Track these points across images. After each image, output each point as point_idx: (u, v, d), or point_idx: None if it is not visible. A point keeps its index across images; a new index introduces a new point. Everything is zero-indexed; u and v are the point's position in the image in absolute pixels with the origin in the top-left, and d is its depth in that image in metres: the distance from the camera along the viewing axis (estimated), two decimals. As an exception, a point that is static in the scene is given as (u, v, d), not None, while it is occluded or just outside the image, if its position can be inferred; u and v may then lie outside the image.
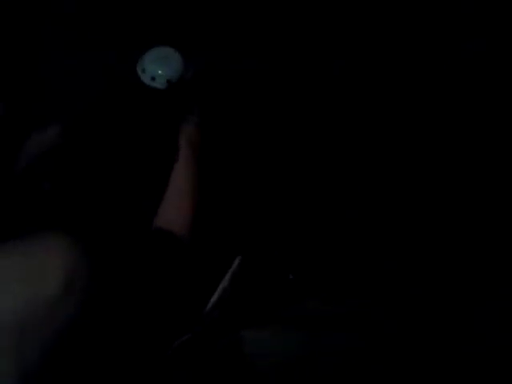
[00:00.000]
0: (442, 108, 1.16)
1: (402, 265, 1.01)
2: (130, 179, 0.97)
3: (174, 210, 0.86)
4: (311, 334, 0.93)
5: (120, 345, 0.73)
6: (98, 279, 0.61)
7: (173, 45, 1.14)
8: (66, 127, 0.90)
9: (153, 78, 1.11)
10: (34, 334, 0.55)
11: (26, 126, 0.81)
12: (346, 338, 0.93)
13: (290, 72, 1.20)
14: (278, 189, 1.08)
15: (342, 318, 0.94)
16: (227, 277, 0.92)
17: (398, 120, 1.15)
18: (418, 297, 0.97)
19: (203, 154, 0.94)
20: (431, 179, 1.09)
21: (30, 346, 0.55)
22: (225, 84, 1.13)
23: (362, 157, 1.09)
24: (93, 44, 1.19)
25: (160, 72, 1.10)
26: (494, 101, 1.17)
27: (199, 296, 0.89)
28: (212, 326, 0.91)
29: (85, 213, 0.88)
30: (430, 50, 1.22)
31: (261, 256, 0.98)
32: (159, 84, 1.11)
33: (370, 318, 0.93)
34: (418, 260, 1.02)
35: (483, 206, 1.05)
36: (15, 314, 0.54)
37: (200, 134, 0.95)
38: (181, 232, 0.82)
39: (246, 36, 1.24)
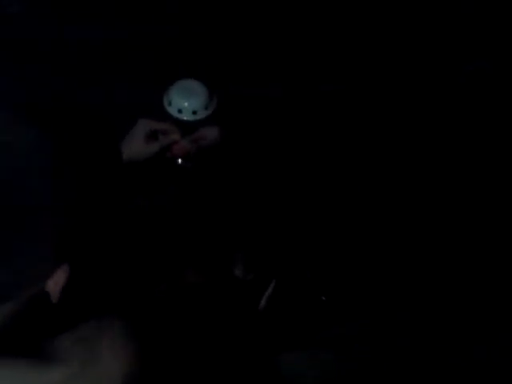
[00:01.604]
0: (441, 125, 1.18)
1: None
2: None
3: None
4: (348, 356, 0.94)
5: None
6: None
7: (197, 77, 1.18)
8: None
9: (179, 111, 1.14)
10: None
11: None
12: (380, 359, 0.94)
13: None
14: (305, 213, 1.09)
15: (376, 339, 0.95)
16: (263, 300, 0.93)
17: (399, 134, 1.16)
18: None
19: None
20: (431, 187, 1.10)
21: None
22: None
23: (365, 166, 1.10)
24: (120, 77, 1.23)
25: (186, 104, 1.14)
26: (494, 121, 1.18)
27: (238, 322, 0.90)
28: (252, 348, 0.92)
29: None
30: (431, 71, 1.25)
31: (294, 279, 1.00)
32: (186, 116, 1.14)
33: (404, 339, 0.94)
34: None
35: (483, 207, 1.06)
36: None
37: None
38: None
39: (266, 67, 1.28)
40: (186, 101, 1.15)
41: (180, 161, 1.01)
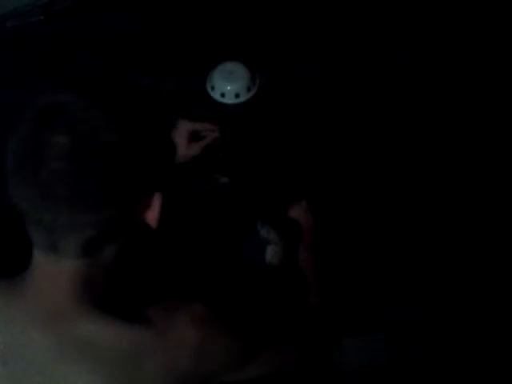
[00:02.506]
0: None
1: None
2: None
3: None
4: (397, 340, 0.96)
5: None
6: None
7: (239, 59, 1.18)
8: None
9: (222, 95, 1.17)
10: None
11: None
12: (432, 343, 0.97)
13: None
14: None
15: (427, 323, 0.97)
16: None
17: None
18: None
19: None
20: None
21: None
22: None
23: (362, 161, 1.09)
24: (162, 65, 1.24)
25: (229, 88, 1.16)
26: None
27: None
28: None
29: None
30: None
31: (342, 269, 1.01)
32: (229, 99, 1.17)
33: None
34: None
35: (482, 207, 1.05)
36: (158, 377, 0.58)
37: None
38: None
39: (304, 45, 1.26)
40: (228, 84, 1.17)
41: (221, 154, 1.04)
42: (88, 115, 0.51)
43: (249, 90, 1.17)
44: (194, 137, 0.98)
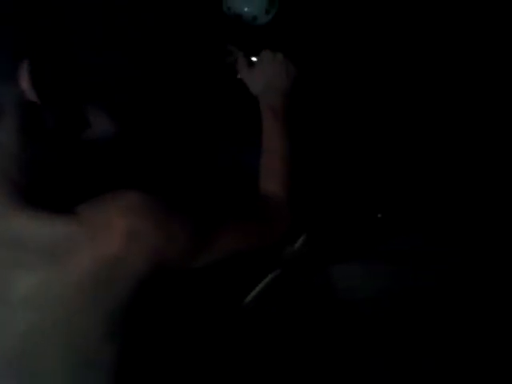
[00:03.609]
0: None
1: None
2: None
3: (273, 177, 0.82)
4: (402, 270, 0.96)
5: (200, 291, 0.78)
6: (167, 233, 0.62)
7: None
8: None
9: (239, 16, 1.10)
10: (106, 291, 0.59)
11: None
12: (438, 275, 0.95)
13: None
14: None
15: (433, 255, 0.96)
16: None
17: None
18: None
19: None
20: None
21: (104, 303, 0.59)
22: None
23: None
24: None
25: (246, 9, 1.09)
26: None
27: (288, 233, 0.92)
28: (302, 263, 0.95)
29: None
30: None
31: (350, 197, 1.00)
32: (245, 20, 1.10)
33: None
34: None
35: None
36: (89, 274, 0.58)
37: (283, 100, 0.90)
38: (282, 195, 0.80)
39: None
40: (245, 6, 1.10)
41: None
42: None
43: (268, 12, 1.11)
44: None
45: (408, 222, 0.99)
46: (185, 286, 0.81)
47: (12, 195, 0.59)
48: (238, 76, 0.98)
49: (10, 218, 0.58)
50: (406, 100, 1.08)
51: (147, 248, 0.60)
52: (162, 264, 0.62)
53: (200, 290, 0.83)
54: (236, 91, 0.97)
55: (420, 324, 0.92)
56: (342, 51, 1.11)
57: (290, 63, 0.93)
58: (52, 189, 0.65)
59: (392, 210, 0.99)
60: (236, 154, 0.96)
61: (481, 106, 1.08)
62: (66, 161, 0.69)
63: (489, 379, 0.86)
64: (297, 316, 0.93)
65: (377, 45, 1.11)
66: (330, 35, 1.11)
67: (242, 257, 0.81)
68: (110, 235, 0.59)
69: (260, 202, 0.79)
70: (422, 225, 0.99)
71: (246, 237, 0.72)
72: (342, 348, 0.92)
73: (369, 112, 1.06)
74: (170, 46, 0.78)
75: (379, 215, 0.97)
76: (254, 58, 0.99)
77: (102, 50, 0.68)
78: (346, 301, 0.96)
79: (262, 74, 0.94)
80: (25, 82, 0.60)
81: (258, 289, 0.90)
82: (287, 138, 0.83)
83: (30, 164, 0.62)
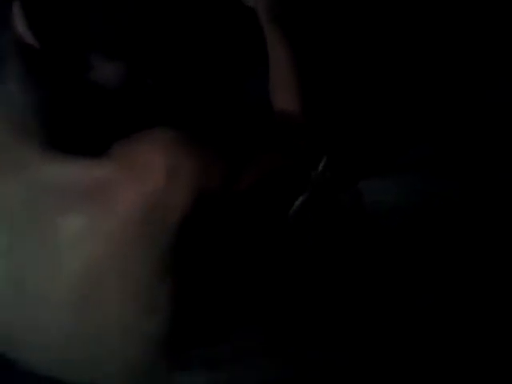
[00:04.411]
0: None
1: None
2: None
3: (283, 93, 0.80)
4: (428, 180, 0.97)
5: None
6: (206, 170, 0.62)
7: None
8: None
9: None
10: (151, 227, 0.59)
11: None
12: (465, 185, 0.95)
13: None
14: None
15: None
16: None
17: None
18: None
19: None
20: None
21: (153, 239, 0.59)
22: None
23: None
24: None
25: None
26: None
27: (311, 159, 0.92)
28: (327, 183, 0.95)
29: (187, 107, 0.89)
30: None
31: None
32: None
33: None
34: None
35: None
36: (134, 212, 0.58)
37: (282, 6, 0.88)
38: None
39: None
40: None
41: None
42: None
43: None
44: None
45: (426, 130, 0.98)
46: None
47: (33, 144, 0.59)
48: None
49: (40, 167, 0.58)
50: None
51: (187, 181, 0.61)
52: (203, 196, 0.63)
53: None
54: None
55: (445, 230, 0.92)
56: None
57: None
58: (77, 133, 0.65)
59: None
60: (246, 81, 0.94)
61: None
62: (82, 104, 0.69)
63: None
64: (328, 233, 0.94)
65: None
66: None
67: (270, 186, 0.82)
68: (150, 173, 0.59)
69: (277, 117, 0.78)
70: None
71: (274, 155, 0.72)
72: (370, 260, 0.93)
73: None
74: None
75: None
76: None
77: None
78: (371, 215, 0.96)
79: None
80: (20, 25, 0.60)
81: (292, 209, 0.90)
82: (290, 46, 0.81)
83: (43, 110, 0.62)
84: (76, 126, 0.64)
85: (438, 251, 0.94)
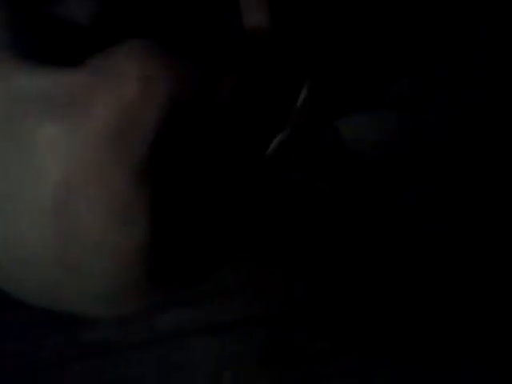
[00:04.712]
0: None
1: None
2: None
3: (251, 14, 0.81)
4: (409, 113, 0.95)
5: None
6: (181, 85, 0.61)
7: None
8: None
9: None
10: (125, 136, 0.57)
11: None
12: (448, 115, 0.94)
13: None
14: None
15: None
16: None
17: None
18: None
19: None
20: None
21: (126, 145, 0.58)
22: None
23: None
24: None
25: None
26: None
27: (287, 95, 0.90)
28: (305, 123, 0.93)
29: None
30: None
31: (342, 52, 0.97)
32: None
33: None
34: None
35: None
36: (107, 117, 0.56)
37: None
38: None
39: None
40: None
41: None
42: None
43: None
44: None
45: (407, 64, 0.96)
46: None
47: (6, 55, 0.57)
48: None
49: (14, 78, 0.56)
50: None
51: (162, 90, 0.59)
52: (179, 107, 0.61)
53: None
54: None
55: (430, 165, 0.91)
56: None
57: None
58: (51, 44, 0.63)
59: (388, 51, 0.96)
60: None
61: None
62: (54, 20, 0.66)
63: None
64: (309, 172, 0.92)
65: None
66: None
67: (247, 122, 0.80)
68: (124, 82, 0.57)
69: (249, 35, 0.76)
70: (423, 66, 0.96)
71: (250, 68, 0.71)
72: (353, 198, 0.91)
73: None
74: None
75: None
76: None
77: None
78: (355, 151, 0.94)
79: None
80: None
81: (270, 149, 0.89)
82: None
83: (16, 21, 0.59)
84: (50, 38, 0.62)
85: (420, 188, 0.93)
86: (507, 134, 0.96)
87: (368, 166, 0.93)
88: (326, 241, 0.89)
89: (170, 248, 0.65)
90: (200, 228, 0.71)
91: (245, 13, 0.78)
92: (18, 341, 0.87)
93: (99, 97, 0.55)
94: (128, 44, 0.60)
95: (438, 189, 0.92)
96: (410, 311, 0.88)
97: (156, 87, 0.57)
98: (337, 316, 0.86)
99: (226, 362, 0.84)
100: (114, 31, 0.71)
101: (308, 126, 0.93)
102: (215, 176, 0.75)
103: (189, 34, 0.86)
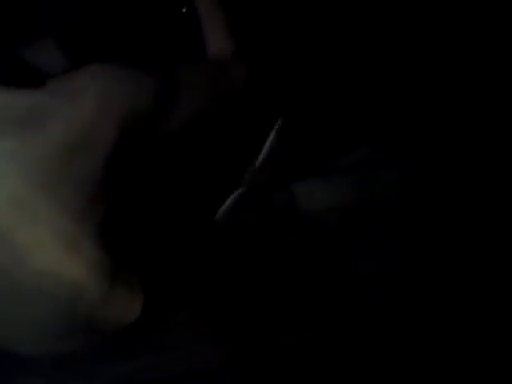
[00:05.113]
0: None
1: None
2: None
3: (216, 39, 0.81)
4: (362, 177, 0.99)
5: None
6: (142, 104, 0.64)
7: None
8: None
9: None
10: (82, 157, 0.60)
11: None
12: (399, 173, 0.98)
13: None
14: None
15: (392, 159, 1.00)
16: (272, 135, 0.94)
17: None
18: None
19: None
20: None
21: (82, 170, 0.60)
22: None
23: None
24: None
25: None
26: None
27: (246, 155, 0.93)
28: (263, 184, 0.95)
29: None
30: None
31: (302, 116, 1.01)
32: None
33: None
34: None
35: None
36: (64, 140, 0.59)
37: None
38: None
39: None
40: None
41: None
42: None
43: None
44: None
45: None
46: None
47: None
48: None
49: None
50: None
51: (116, 111, 0.62)
52: (133, 128, 0.64)
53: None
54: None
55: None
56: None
57: None
58: (14, 69, 0.66)
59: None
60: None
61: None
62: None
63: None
64: (262, 232, 0.93)
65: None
66: None
67: (208, 175, 0.83)
68: (80, 101, 0.62)
69: (211, 53, 0.78)
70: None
71: (208, 88, 0.73)
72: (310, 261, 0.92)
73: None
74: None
75: (184, 9, 0.93)
76: None
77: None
78: (309, 216, 0.96)
79: None
80: None
81: (224, 206, 0.90)
82: None
83: None
84: (16, 74, 0.66)
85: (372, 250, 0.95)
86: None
87: (321, 229, 0.95)
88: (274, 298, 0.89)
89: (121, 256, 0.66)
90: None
91: (206, 32, 0.81)
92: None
93: (57, 115, 0.59)
94: (87, 66, 0.63)
95: (396, 252, 0.94)
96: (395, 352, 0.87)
97: (112, 103, 0.61)
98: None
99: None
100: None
101: (265, 186, 0.95)
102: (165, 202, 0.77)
103: (148, 53, 0.88)
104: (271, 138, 0.92)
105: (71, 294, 0.64)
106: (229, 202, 0.91)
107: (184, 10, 0.90)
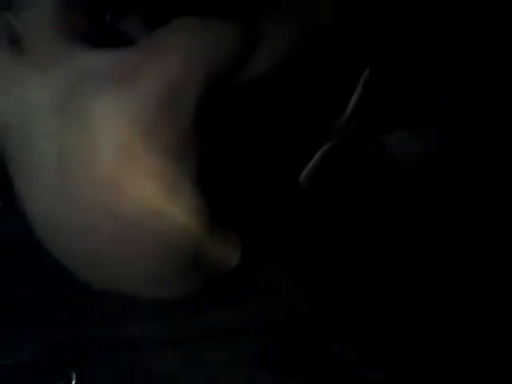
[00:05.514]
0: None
1: None
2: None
3: None
4: (451, 128, 0.96)
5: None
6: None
7: None
8: None
9: None
10: (172, 105, 0.62)
11: None
12: (488, 129, 0.96)
13: None
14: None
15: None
16: (360, 86, 0.92)
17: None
18: None
19: None
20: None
21: (172, 115, 0.61)
22: None
23: None
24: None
25: None
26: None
27: (334, 107, 0.91)
28: (352, 136, 0.94)
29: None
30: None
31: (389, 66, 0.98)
32: None
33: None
34: None
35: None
36: (157, 88, 0.61)
37: None
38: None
39: None
40: None
41: None
42: None
43: None
44: None
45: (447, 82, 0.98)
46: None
47: (72, 38, 0.63)
48: None
49: (77, 58, 0.63)
50: None
51: (203, 61, 0.64)
52: (221, 72, 0.65)
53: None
54: None
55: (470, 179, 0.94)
56: None
57: None
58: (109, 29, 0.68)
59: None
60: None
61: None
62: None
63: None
64: (352, 184, 0.94)
65: None
66: None
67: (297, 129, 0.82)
68: (169, 55, 0.63)
69: None
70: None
71: (296, 24, 0.72)
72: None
73: None
74: None
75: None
76: None
77: None
78: (398, 165, 0.96)
79: None
80: None
81: (313, 161, 0.90)
82: None
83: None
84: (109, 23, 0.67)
85: (463, 202, 0.94)
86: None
87: (411, 179, 0.95)
88: (357, 249, 0.91)
89: (215, 215, 0.68)
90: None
91: None
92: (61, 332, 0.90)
93: (148, 72, 0.60)
94: (172, 22, 0.63)
95: (481, 202, 0.94)
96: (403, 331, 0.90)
97: (198, 55, 0.62)
98: (367, 323, 0.89)
99: (260, 364, 0.87)
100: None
101: (353, 139, 0.94)
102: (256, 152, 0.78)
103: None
104: (359, 88, 0.91)
105: (172, 234, 0.67)
106: (317, 156, 0.90)
107: None
